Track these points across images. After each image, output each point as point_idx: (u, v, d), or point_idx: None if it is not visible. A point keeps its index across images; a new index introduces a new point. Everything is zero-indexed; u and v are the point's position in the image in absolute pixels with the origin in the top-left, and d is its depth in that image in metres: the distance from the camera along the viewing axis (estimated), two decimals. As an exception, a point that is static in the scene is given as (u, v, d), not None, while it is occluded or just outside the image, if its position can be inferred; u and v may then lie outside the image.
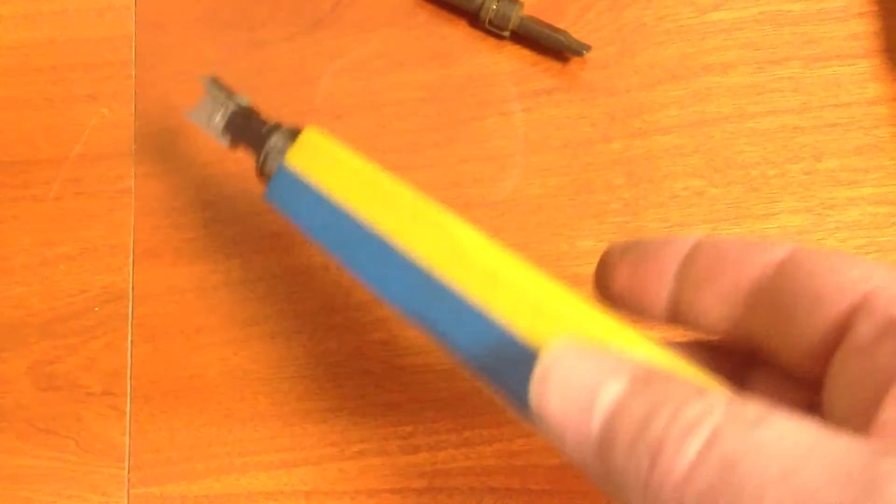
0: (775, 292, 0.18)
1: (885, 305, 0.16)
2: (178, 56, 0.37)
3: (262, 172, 0.25)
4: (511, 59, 0.36)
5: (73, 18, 0.37)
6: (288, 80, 0.36)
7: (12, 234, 0.34)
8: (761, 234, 0.33)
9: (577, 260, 0.33)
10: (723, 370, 0.19)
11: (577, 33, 0.35)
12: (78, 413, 0.32)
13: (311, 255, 0.33)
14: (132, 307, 0.33)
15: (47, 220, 0.34)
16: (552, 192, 0.34)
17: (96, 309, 0.33)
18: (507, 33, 0.36)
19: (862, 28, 0.35)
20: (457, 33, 0.36)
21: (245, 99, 0.27)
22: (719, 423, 0.13)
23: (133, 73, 0.37)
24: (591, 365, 0.15)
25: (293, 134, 0.25)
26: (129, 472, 0.32)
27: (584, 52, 0.35)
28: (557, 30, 0.35)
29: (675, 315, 0.20)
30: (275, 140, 0.25)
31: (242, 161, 0.35)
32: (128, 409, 0.32)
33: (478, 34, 0.36)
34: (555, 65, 0.36)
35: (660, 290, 0.20)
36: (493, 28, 0.36)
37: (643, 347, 0.18)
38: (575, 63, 0.36)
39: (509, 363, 0.19)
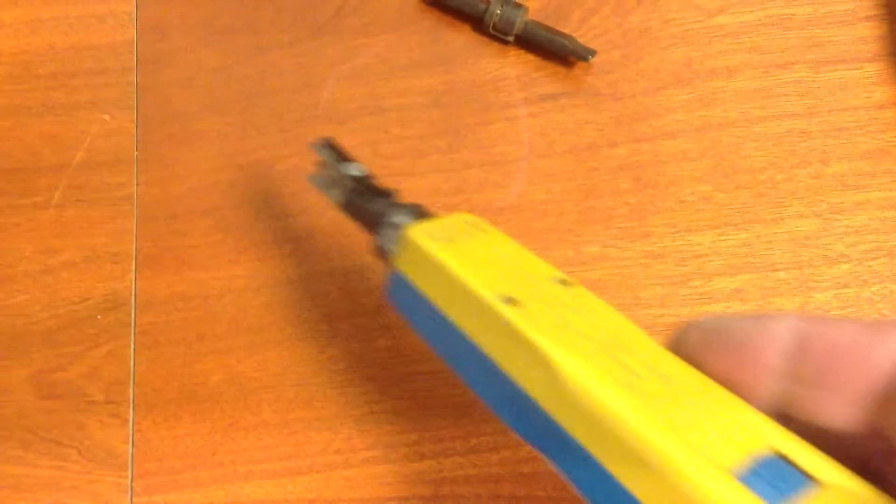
0: None
1: None
2: (179, 62, 0.37)
3: (380, 257, 0.24)
4: (516, 64, 0.36)
5: (73, 25, 0.37)
6: (290, 85, 0.36)
7: (14, 242, 0.34)
8: (769, 239, 0.33)
9: (582, 266, 0.33)
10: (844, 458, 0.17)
11: (582, 38, 0.35)
12: (80, 422, 0.32)
13: (314, 262, 0.33)
14: (134, 315, 0.33)
15: (49, 227, 0.34)
16: (558, 197, 0.34)
17: (98, 317, 0.33)
18: (511, 38, 0.35)
19: (869, 32, 0.35)
20: (461, 38, 0.36)
21: (359, 167, 0.26)
22: None
23: (135, 79, 0.36)
24: None
25: (410, 215, 0.23)
26: (132, 482, 0.31)
27: (590, 56, 0.35)
28: (562, 34, 0.35)
29: (783, 414, 0.17)
30: (386, 232, 0.23)
31: (245, 168, 0.35)
32: (130, 418, 0.32)
33: (482, 39, 0.36)
34: (560, 70, 0.35)
35: (760, 388, 0.17)
36: (497, 33, 0.35)
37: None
38: (580, 68, 0.35)
39: None
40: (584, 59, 0.35)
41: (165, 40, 0.37)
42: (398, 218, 0.24)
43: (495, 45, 0.36)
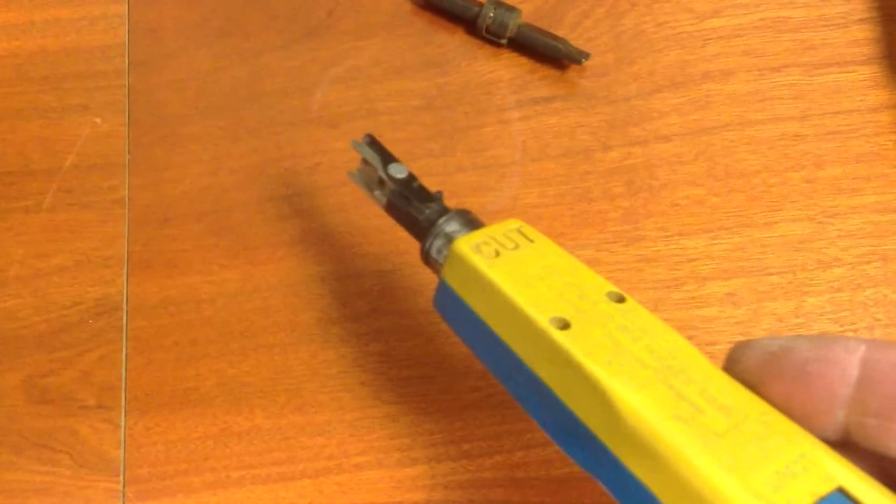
0: None
1: None
2: (171, 65, 0.36)
3: (426, 264, 0.24)
4: (509, 67, 0.36)
5: (65, 27, 0.37)
6: (283, 88, 0.36)
7: (5, 246, 0.34)
8: (762, 242, 0.32)
9: (576, 270, 0.33)
10: None
11: (576, 41, 0.35)
12: (72, 427, 0.32)
13: (307, 266, 0.33)
14: (126, 319, 0.33)
15: (40, 231, 0.34)
16: (551, 201, 0.34)
17: (90, 321, 0.33)
18: (504, 41, 0.35)
19: (863, 35, 0.35)
20: (454, 41, 0.36)
21: (402, 168, 0.25)
22: None
23: (126, 82, 0.36)
24: None
25: (459, 223, 0.23)
26: (124, 487, 0.31)
27: (583, 59, 0.34)
28: (556, 37, 0.35)
29: (845, 441, 0.17)
30: (434, 242, 0.23)
31: (238, 172, 0.35)
32: (123, 423, 0.32)
33: (475, 42, 0.36)
34: (553, 72, 0.35)
35: (825, 417, 0.17)
36: (490, 35, 0.35)
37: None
38: (573, 71, 0.35)
39: None
40: (578, 62, 0.35)
41: (157, 43, 0.37)
42: (448, 227, 0.23)
43: (488, 48, 0.36)
